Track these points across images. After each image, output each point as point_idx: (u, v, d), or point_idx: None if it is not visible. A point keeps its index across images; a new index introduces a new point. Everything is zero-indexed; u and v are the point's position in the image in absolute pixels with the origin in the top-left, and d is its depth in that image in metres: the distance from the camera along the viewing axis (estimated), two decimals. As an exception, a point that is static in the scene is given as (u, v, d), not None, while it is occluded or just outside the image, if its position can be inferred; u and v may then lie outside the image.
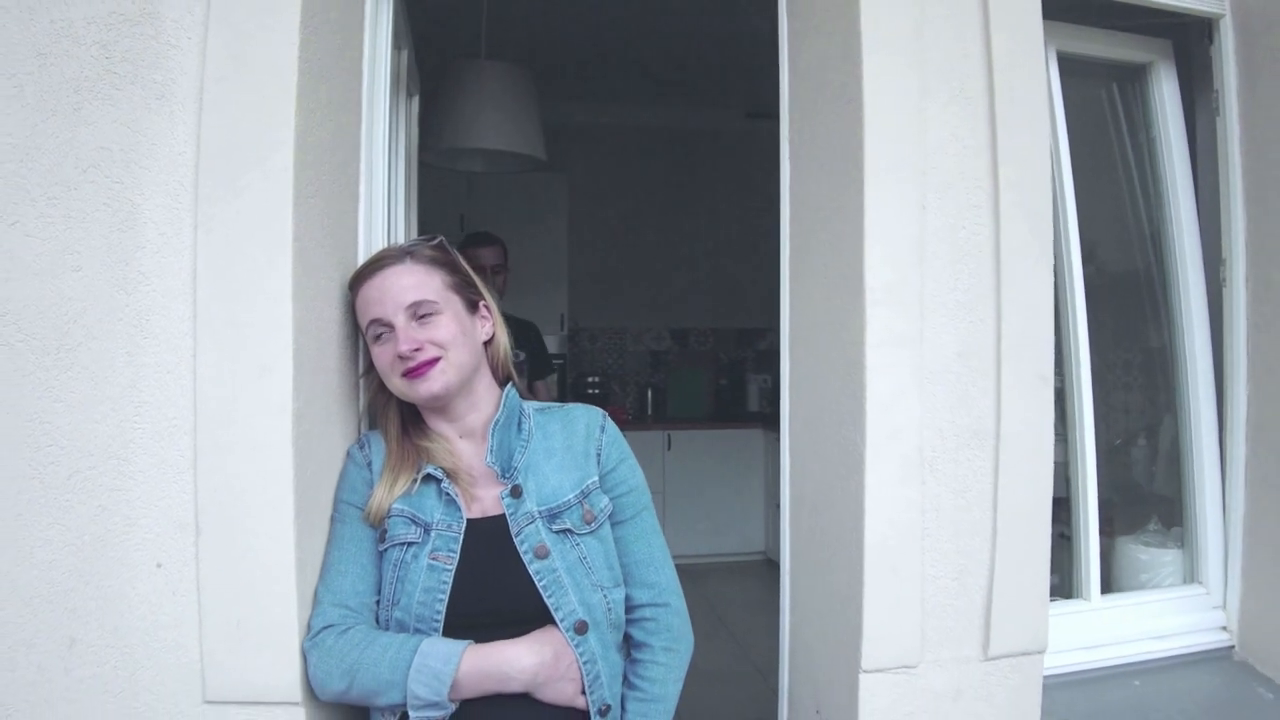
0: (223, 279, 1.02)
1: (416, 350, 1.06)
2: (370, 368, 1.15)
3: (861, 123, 1.15)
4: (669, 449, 4.48)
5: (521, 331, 2.74)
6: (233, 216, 1.02)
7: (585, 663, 1.03)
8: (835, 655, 1.23)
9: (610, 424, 1.17)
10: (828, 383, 1.26)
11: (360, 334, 1.16)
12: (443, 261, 1.14)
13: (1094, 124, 1.99)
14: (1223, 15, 1.73)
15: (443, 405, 1.12)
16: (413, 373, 1.07)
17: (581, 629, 1.04)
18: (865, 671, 1.16)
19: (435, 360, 1.07)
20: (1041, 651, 1.27)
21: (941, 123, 1.19)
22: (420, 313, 1.08)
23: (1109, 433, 2.01)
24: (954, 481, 1.20)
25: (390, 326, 1.08)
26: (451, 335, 1.09)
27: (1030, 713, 1.27)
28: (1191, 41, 1.82)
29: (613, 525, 1.12)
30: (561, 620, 1.03)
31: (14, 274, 0.99)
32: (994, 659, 1.23)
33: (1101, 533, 1.90)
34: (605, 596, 1.06)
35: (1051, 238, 1.21)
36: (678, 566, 1.19)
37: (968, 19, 1.21)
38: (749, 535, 4.49)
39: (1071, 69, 1.84)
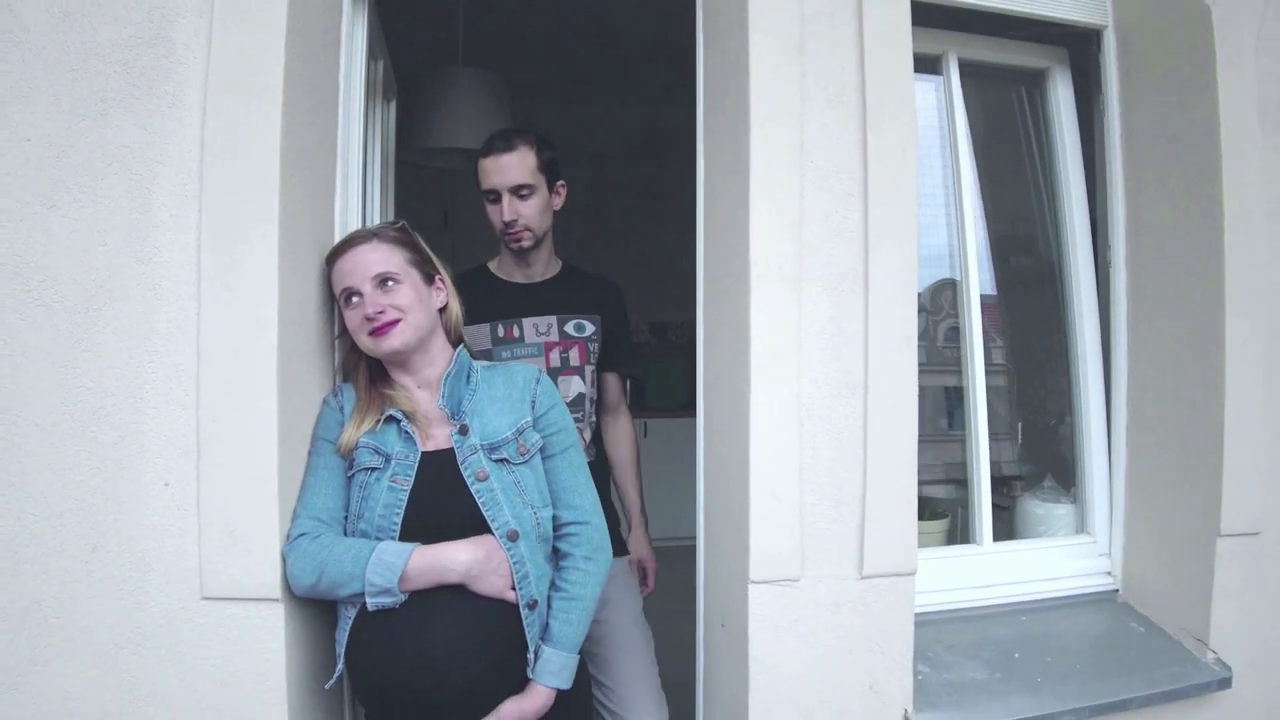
0: (222, 253, 1.20)
1: (380, 313, 1.27)
2: (344, 330, 1.35)
3: (748, 123, 1.34)
4: (645, 436, 4.62)
5: (591, 294, 1.78)
6: (230, 202, 1.21)
7: (515, 563, 1.23)
8: (733, 574, 1.42)
9: (545, 378, 1.39)
10: (725, 342, 1.45)
11: (335, 301, 1.36)
12: (404, 241, 1.35)
13: (1003, 124, 2.20)
14: (1105, 26, 1.91)
15: (403, 360, 1.33)
16: (377, 331, 1.28)
17: (513, 536, 1.23)
18: (753, 582, 1.36)
19: (396, 321, 1.28)
20: (911, 573, 1.45)
21: (819, 124, 1.38)
22: (384, 282, 1.30)
23: (1019, 404, 2.24)
24: (828, 425, 1.39)
25: (359, 294, 1.29)
26: (410, 301, 1.30)
27: (903, 626, 1.46)
28: (1085, 49, 2.00)
29: (544, 459, 1.33)
30: (497, 529, 1.23)
31: (51, 248, 1.18)
32: (868, 578, 1.42)
33: (1007, 492, 2.13)
34: (535, 514, 1.27)
35: (914, 223, 1.41)
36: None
37: (845, 38, 1.41)
38: (724, 519, 4.65)
39: (981, 74, 2.05)
